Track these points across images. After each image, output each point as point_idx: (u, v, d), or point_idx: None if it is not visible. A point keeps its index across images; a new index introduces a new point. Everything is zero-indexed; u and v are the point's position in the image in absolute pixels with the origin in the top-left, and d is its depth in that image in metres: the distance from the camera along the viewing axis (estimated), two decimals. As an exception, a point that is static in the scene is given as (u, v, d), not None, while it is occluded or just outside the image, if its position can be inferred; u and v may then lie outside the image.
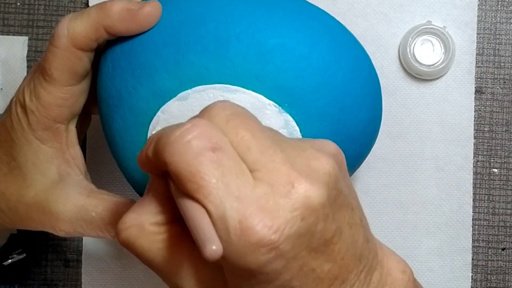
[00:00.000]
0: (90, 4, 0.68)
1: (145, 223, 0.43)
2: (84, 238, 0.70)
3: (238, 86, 0.52)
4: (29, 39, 0.70)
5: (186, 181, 0.41)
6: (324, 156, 0.44)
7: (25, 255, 0.68)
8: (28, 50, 0.70)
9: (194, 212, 0.41)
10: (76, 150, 0.57)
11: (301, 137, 0.53)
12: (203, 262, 0.44)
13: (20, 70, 0.70)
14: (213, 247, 0.38)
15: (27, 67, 0.70)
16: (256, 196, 0.41)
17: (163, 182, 0.44)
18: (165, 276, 0.45)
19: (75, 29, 0.53)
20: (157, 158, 0.42)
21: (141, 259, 0.44)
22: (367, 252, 0.47)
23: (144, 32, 0.54)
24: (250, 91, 0.52)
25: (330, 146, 0.46)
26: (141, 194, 0.58)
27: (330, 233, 0.43)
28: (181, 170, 0.41)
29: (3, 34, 0.70)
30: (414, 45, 0.68)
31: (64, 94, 0.55)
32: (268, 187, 0.42)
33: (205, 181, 0.40)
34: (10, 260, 0.68)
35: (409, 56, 0.67)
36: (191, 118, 0.43)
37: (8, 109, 0.57)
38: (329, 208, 0.43)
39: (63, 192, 0.55)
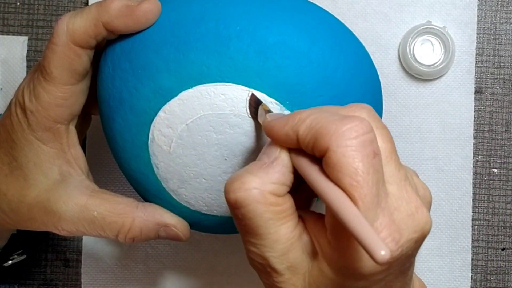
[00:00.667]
0: (89, 4, 0.68)
1: (267, 191, 0.45)
2: (84, 238, 0.70)
3: (239, 84, 0.52)
4: (29, 39, 0.70)
5: (346, 174, 0.43)
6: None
7: (25, 256, 0.68)
8: (28, 50, 0.70)
9: (349, 208, 0.42)
10: (77, 150, 0.57)
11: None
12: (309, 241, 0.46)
13: (20, 70, 0.70)
14: (382, 253, 0.40)
15: (27, 67, 0.70)
16: (390, 208, 0.44)
17: (295, 157, 0.46)
18: (257, 246, 0.46)
19: (75, 25, 0.53)
20: (312, 140, 0.44)
21: (244, 221, 0.46)
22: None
23: (144, 32, 0.54)
24: (251, 89, 0.52)
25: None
26: (141, 194, 0.58)
27: (413, 261, 0.48)
28: (344, 163, 0.43)
29: (3, 34, 0.70)
30: (414, 45, 0.68)
31: (63, 94, 0.54)
32: (398, 202, 0.45)
33: (365, 183, 0.43)
34: (10, 261, 0.68)
35: (409, 56, 0.67)
36: (350, 116, 0.44)
37: (8, 110, 0.57)
38: None
39: (65, 192, 0.55)
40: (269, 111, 0.51)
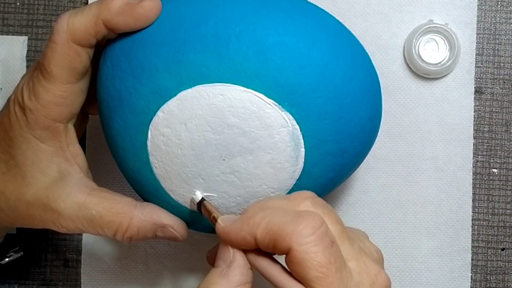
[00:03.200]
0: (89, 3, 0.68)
1: None
2: (83, 238, 0.70)
3: (238, 84, 0.52)
4: (28, 39, 0.70)
5: (311, 268, 0.47)
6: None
7: (22, 253, 0.68)
8: (27, 50, 0.70)
9: None
10: (76, 148, 0.57)
11: (301, 135, 0.53)
12: None
13: (19, 70, 0.70)
14: None
15: (27, 66, 0.70)
16: (355, 284, 0.49)
17: (254, 258, 0.50)
18: None
19: (75, 24, 0.53)
20: (272, 242, 0.48)
21: None
22: None
23: (143, 32, 0.54)
24: (250, 90, 0.52)
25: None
26: (139, 193, 0.58)
27: None
28: (308, 259, 0.47)
29: (2, 34, 0.70)
30: (419, 45, 0.68)
31: (63, 92, 0.55)
32: (360, 276, 0.49)
33: (330, 272, 0.47)
34: (7, 259, 0.68)
35: (415, 56, 0.67)
36: (302, 214, 0.48)
37: (6, 108, 0.57)
38: None
39: (64, 190, 0.55)
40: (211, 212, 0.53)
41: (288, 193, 0.55)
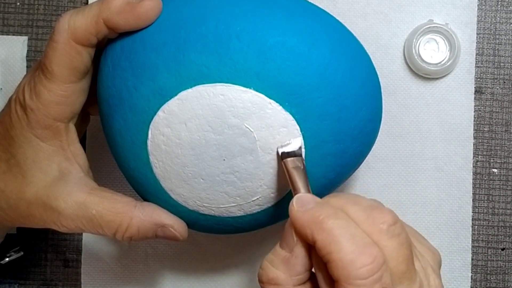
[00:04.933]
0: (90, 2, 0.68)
1: (291, 285, 0.49)
2: (83, 238, 0.70)
3: (239, 84, 0.52)
4: (28, 39, 0.70)
5: None
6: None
7: (22, 253, 0.68)
8: (28, 50, 0.70)
9: None
10: (77, 148, 0.57)
11: (301, 135, 0.53)
12: None
13: (19, 70, 0.70)
14: None
15: (27, 67, 0.70)
16: None
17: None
18: None
19: (76, 23, 0.53)
20: (326, 259, 0.47)
21: None
22: None
23: (144, 31, 0.54)
24: (250, 90, 0.52)
25: None
26: (139, 193, 0.58)
27: None
28: None
29: (2, 34, 0.70)
30: (419, 45, 0.68)
31: (64, 92, 0.55)
32: None
33: None
34: (7, 259, 0.68)
35: (415, 57, 0.67)
36: (367, 252, 0.46)
37: (7, 107, 0.57)
38: None
39: (64, 190, 0.55)
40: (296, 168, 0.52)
41: (289, 193, 0.55)
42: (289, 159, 0.52)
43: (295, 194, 0.50)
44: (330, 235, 0.47)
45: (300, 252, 0.49)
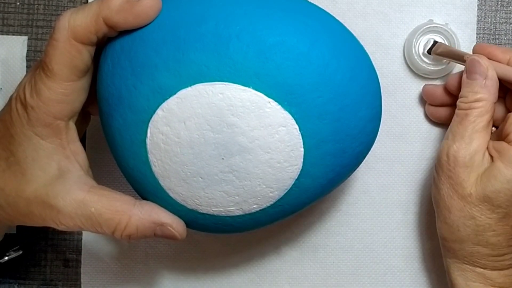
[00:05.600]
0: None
1: (491, 101, 0.62)
2: (83, 238, 0.70)
3: (238, 83, 0.52)
4: (28, 39, 0.70)
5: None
6: None
7: (21, 252, 0.69)
8: (27, 50, 0.70)
9: None
10: (77, 146, 0.57)
11: (300, 135, 0.53)
12: None
13: (19, 70, 0.70)
14: None
15: (27, 66, 0.70)
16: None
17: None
18: None
19: (76, 21, 0.54)
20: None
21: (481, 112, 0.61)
22: None
23: (144, 30, 0.54)
24: (250, 89, 0.52)
25: None
26: (138, 192, 0.58)
27: None
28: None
29: (2, 34, 0.70)
30: (419, 45, 0.68)
31: (64, 90, 0.55)
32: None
33: None
34: (6, 257, 0.68)
35: (415, 57, 0.67)
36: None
37: (8, 105, 0.57)
38: None
39: (64, 188, 0.55)
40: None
41: (288, 192, 0.55)
42: (433, 49, 0.67)
43: (458, 58, 0.65)
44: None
45: (493, 75, 0.61)
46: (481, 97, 0.61)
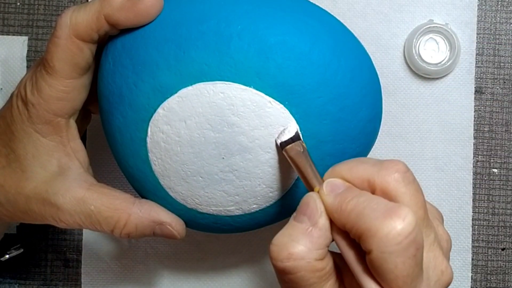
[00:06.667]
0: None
1: (313, 258, 0.47)
2: (84, 237, 0.70)
3: (239, 83, 0.52)
4: (29, 39, 0.70)
5: (387, 278, 0.45)
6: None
7: (22, 250, 0.69)
8: (28, 50, 0.70)
9: None
10: (77, 144, 0.57)
11: (300, 135, 0.53)
12: None
13: (19, 70, 0.70)
14: None
15: (27, 67, 0.70)
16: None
17: (335, 234, 0.48)
18: None
19: (77, 19, 0.54)
20: (357, 235, 0.46)
21: (290, 284, 0.48)
22: None
23: (145, 28, 0.54)
24: (250, 88, 0.52)
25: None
26: (138, 190, 0.58)
27: None
28: (386, 269, 0.45)
29: (3, 34, 0.70)
30: (419, 45, 0.68)
31: (65, 87, 0.55)
32: (428, 272, 0.47)
33: (405, 284, 0.45)
34: (7, 255, 0.68)
35: (415, 57, 0.67)
36: (393, 214, 0.45)
37: (9, 102, 0.57)
38: None
39: (63, 185, 0.55)
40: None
41: (288, 192, 0.55)
42: (288, 147, 0.52)
43: (303, 179, 0.50)
44: (355, 213, 0.46)
45: (324, 225, 0.48)
46: (297, 252, 0.47)
